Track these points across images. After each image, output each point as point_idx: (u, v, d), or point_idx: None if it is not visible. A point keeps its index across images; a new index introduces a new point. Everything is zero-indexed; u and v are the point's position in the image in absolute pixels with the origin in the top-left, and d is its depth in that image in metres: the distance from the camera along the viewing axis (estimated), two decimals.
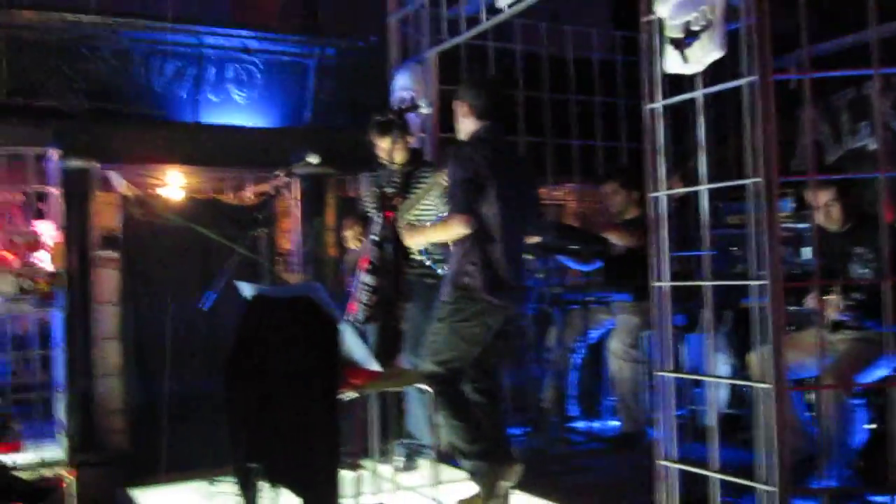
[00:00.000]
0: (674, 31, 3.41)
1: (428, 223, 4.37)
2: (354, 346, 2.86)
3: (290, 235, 6.50)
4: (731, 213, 5.92)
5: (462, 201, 3.64)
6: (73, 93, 6.01)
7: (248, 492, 3.01)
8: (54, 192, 5.66)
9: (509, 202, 3.76)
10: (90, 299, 5.68)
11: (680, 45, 3.39)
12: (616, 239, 5.29)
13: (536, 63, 6.27)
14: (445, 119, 4.54)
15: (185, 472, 4.64)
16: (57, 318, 5.77)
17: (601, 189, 5.59)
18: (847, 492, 3.68)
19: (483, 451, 3.70)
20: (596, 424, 5.63)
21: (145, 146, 6.24)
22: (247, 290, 2.96)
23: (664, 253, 3.53)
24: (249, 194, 6.36)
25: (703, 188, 3.38)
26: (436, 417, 3.65)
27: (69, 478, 5.05)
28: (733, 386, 5.35)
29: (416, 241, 3.65)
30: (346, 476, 2.73)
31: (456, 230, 3.64)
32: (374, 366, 2.98)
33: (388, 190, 4.15)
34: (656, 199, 3.54)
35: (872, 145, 6.32)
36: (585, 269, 5.56)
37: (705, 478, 3.43)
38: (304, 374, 2.67)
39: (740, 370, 4.97)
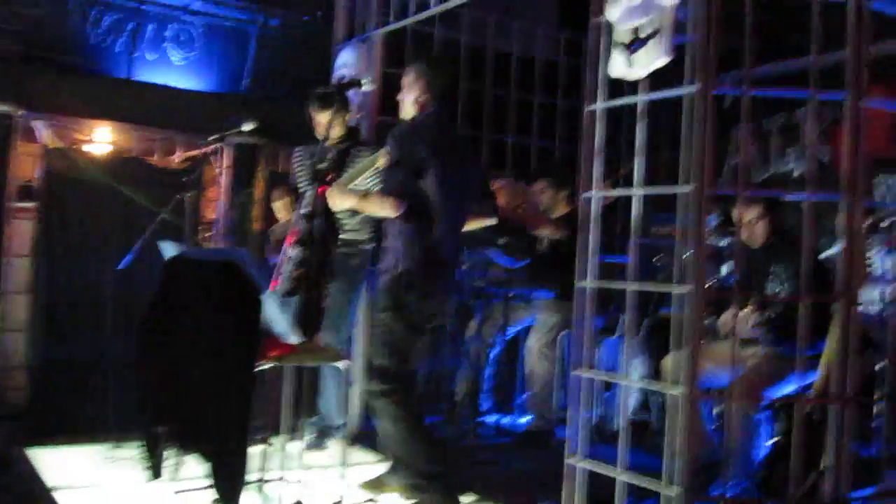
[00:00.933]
0: (622, 35, 3.44)
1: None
2: (275, 317, 2.81)
3: (215, 204, 6.39)
4: (656, 224, 6.02)
5: (396, 184, 3.60)
6: (2, 36, 5.79)
7: (154, 456, 2.94)
8: None
9: (451, 186, 3.73)
10: (2, 250, 5.51)
11: (627, 49, 3.42)
12: (545, 232, 5.32)
13: (480, 56, 6.27)
14: (386, 100, 4.51)
15: (86, 435, 4.51)
16: None
17: (532, 186, 5.61)
18: (745, 502, 3.77)
19: (440, 474, 3.60)
20: (506, 420, 5.67)
21: (75, 98, 6.05)
22: (168, 249, 2.89)
23: (592, 253, 3.56)
24: (178, 158, 6.23)
25: (637, 192, 3.41)
26: (383, 428, 3.58)
27: None
28: (643, 393, 5.44)
29: (341, 203, 3.59)
30: (254, 450, 2.69)
31: (385, 210, 3.60)
32: (294, 339, 2.94)
33: (322, 165, 4.10)
34: (590, 198, 3.57)
35: (798, 171, 6.49)
36: (513, 265, 5.58)
37: (610, 480, 3.48)
38: (221, 341, 2.62)
39: (652, 377, 5.05)
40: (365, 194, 3.72)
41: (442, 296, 3.74)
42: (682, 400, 3.13)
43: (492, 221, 3.94)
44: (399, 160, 3.60)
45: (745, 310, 4.11)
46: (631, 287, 3.45)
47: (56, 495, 3.49)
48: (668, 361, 4.17)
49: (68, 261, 5.63)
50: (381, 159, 3.74)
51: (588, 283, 3.55)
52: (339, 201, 3.58)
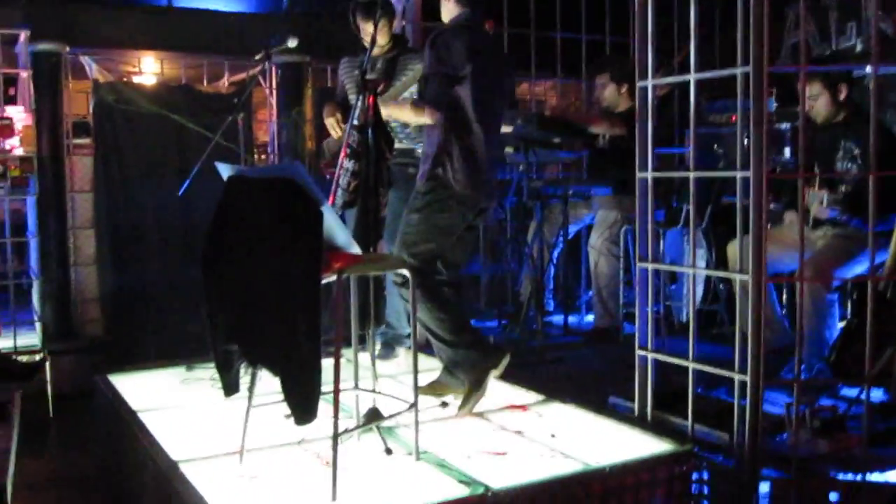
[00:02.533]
0: None
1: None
2: (336, 228, 2.82)
3: (267, 125, 6.40)
4: (714, 113, 5.89)
5: (434, 92, 3.63)
6: None
7: (227, 374, 3.00)
8: (24, 75, 5.51)
9: (487, 92, 3.71)
10: (64, 187, 5.61)
11: None
12: (602, 129, 5.24)
13: None
14: (429, 5, 4.43)
15: (161, 360, 4.64)
16: (31, 206, 5.69)
17: (595, 81, 5.51)
18: (819, 384, 3.74)
19: (471, 341, 3.73)
20: (572, 319, 5.68)
21: (119, 30, 6.08)
22: (225, 170, 2.90)
23: (650, 143, 3.49)
24: (226, 82, 6.22)
25: (693, 76, 3.31)
26: (416, 309, 3.63)
27: (45, 363, 5.05)
28: (707, 283, 5.40)
29: (385, 111, 3.62)
30: (325, 363, 2.73)
31: (421, 118, 3.69)
32: (356, 250, 2.95)
33: (371, 75, 4.06)
34: (645, 87, 3.48)
35: (859, 46, 6.26)
36: (573, 155, 5.50)
37: (680, 372, 3.47)
38: (285, 255, 2.63)
39: (716, 266, 5.00)
40: (401, 103, 3.74)
41: (479, 200, 3.78)
42: (751, 284, 3.09)
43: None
44: (435, 66, 3.60)
45: (814, 189, 4.02)
46: (692, 174, 3.38)
47: (142, 416, 3.59)
48: (732, 248, 4.11)
49: (128, 192, 5.71)
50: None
51: (648, 173, 3.48)
52: (383, 111, 3.59)
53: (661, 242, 5.12)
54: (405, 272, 3.22)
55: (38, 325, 5.60)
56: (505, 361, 3.71)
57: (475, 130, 3.70)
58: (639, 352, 3.59)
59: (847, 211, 4.02)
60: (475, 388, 3.65)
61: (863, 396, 3.33)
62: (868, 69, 4.51)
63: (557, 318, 5.62)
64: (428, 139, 3.77)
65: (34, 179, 5.50)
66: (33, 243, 5.66)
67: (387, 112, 3.66)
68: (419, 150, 4.40)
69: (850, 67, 5.06)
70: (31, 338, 5.56)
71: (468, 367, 3.68)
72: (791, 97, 5.39)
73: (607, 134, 5.26)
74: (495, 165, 3.96)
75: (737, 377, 3.17)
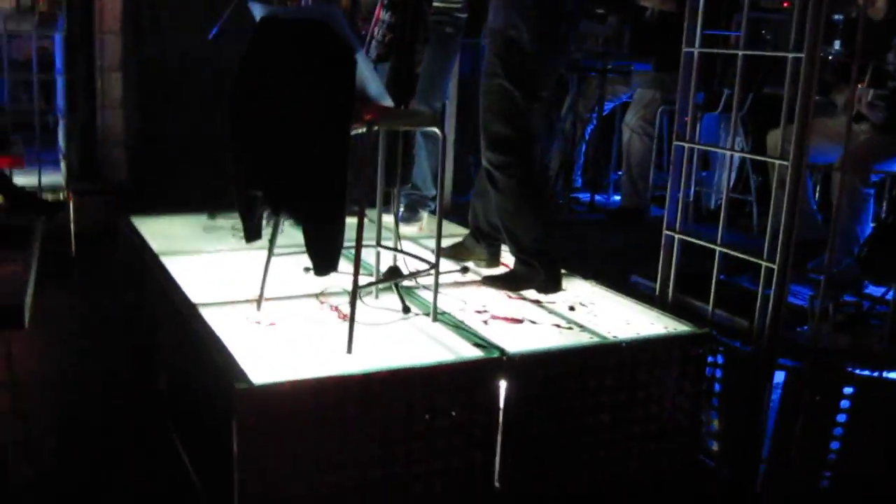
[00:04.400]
0: None
1: None
2: (370, 78, 2.73)
3: None
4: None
5: None
6: None
7: (249, 220, 2.97)
8: None
9: None
10: (93, 26, 5.49)
11: None
12: (653, 2, 5.05)
13: None
14: None
15: (185, 206, 4.63)
16: (58, 45, 5.60)
17: None
18: (846, 279, 3.69)
19: (545, 251, 3.52)
20: (600, 197, 5.61)
21: None
22: (258, 10, 2.80)
23: (700, 19, 3.35)
24: None
25: None
26: (497, 199, 3.50)
27: (68, 201, 5.07)
28: (740, 173, 5.30)
29: None
30: (349, 221, 2.69)
31: None
32: (388, 102, 2.87)
33: None
34: None
35: None
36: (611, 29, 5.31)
37: (704, 258, 3.43)
38: (315, 102, 2.56)
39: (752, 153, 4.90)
40: None
41: (559, 61, 3.55)
42: (790, 171, 3.00)
43: None
44: None
45: (862, 84, 3.89)
46: (741, 52, 3.25)
47: (163, 259, 3.60)
48: (774, 135, 4.00)
49: (157, 35, 5.59)
50: None
51: (696, 48, 3.35)
52: None
53: (699, 125, 5.00)
54: (437, 131, 3.13)
55: (62, 164, 5.59)
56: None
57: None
58: (666, 231, 3.54)
59: (889, 109, 3.89)
60: (549, 288, 3.55)
61: (889, 296, 3.29)
62: None
63: (584, 196, 5.55)
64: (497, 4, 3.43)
65: (63, 17, 5.39)
66: (60, 82, 5.59)
67: None
68: (457, 7, 4.24)
69: None
70: (55, 177, 5.56)
71: (542, 266, 3.53)
72: None
73: (657, 8, 5.07)
74: (575, 22, 3.66)
75: (764, 264, 3.12)
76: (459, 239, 3.89)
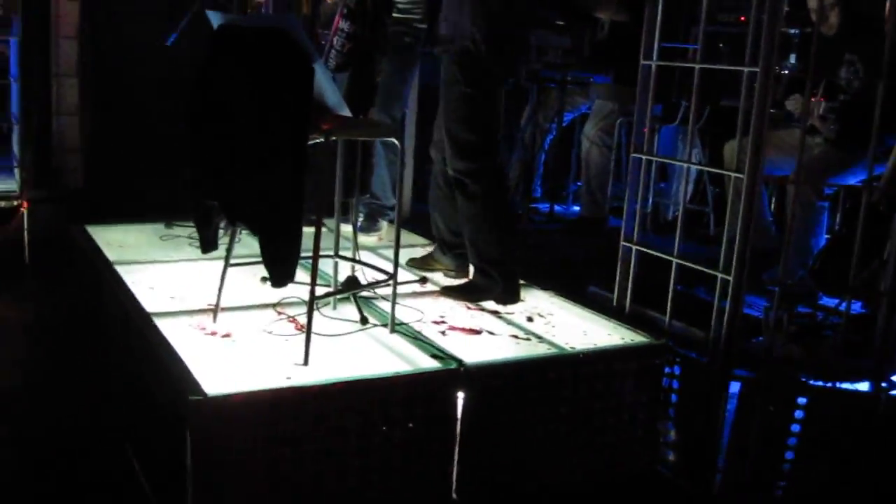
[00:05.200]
0: None
1: None
2: (328, 88, 2.72)
3: None
4: (721, 11, 5.72)
5: None
6: None
7: (206, 230, 2.95)
8: None
9: None
10: (49, 31, 5.41)
11: None
12: (606, 14, 5.09)
13: None
14: None
15: (141, 215, 4.57)
16: (13, 49, 5.51)
17: None
18: (800, 291, 3.74)
19: (507, 262, 3.53)
20: (559, 207, 5.63)
21: None
22: (216, 18, 2.77)
23: (658, 32, 3.38)
24: None
25: None
26: (463, 207, 3.48)
27: (23, 212, 4.99)
28: (697, 184, 5.35)
29: None
30: (306, 231, 2.68)
31: None
32: (346, 112, 2.86)
33: None
34: None
35: None
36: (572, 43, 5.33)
37: (659, 270, 3.45)
38: (272, 111, 2.54)
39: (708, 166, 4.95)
40: None
41: (517, 65, 3.58)
42: (745, 183, 3.03)
43: None
44: None
45: (814, 98, 3.94)
46: (698, 66, 3.29)
47: (118, 269, 3.55)
48: (729, 147, 4.04)
49: (115, 40, 5.52)
50: None
51: (653, 61, 3.38)
52: None
53: (656, 139, 5.04)
54: (395, 141, 3.12)
55: (16, 172, 5.50)
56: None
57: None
58: (623, 242, 3.56)
59: (839, 122, 3.95)
60: (508, 299, 3.56)
61: (842, 307, 3.34)
62: None
63: (543, 206, 5.56)
64: (452, 3, 3.43)
65: (18, 21, 5.31)
66: (14, 87, 5.50)
67: None
68: (416, 18, 4.24)
69: None
70: (9, 184, 5.47)
71: (503, 278, 3.54)
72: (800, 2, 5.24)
73: (608, 19, 5.09)
74: (526, 28, 3.69)
75: (720, 276, 3.15)
76: (420, 249, 3.89)
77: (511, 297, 3.53)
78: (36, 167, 5.43)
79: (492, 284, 3.52)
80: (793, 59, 5.25)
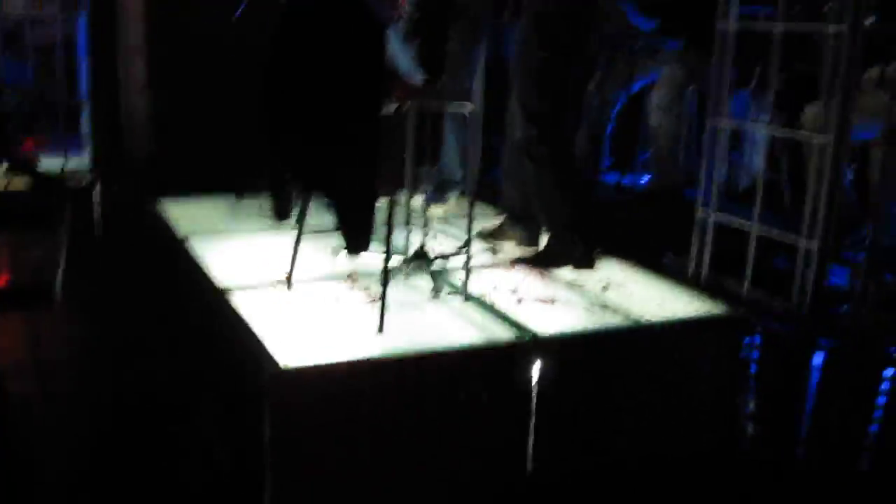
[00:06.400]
0: None
1: None
2: (400, 54, 2.69)
3: None
4: None
5: None
6: None
7: (279, 199, 2.94)
8: None
9: None
10: (116, 10, 5.46)
11: None
12: None
13: None
14: None
15: (210, 188, 4.60)
16: (82, 27, 5.57)
17: None
18: (888, 258, 3.62)
19: (579, 228, 3.51)
20: (628, 178, 5.53)
21: None
22: None
23: None
24: None
25: None
26: (532, 176, 3.45)
27: (94, 185, 5.06)
28: (771, 153, 5.21)
29: None
30: (378, 202, 2.66)
31: None
32: (419, 79, 2.82)
33: None
34: None
35: None
36: (645, 26, 5.22)
37: (737, 239, 3.37)
38: (346, 78, 2.52)
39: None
40: None
41: (592, 29, 3.51)
42: (832, 146, 2.93)
43: None
44: None
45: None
46: (778, 28, 3.18)
47: (191, 242, 3.58)
48: (811, 112, 3.91)
49: (182, 16, 5.54)
50: None
51: (730, 22, 3.28)
52: None
53: (731, 103, 4.91)
54: (466, 112, 3.08)
55: (87, 148, 5.57)
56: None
57: None
58: (699, 213, 3.48)
59: None
60: (583, 263, 3.52)
61: None
62: None
63: (613, 177, 5.47)
64: None
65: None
66: (84, 65, 5.57)
67: None
68: None
69: None
70: (81, 160, 5.54)
71: (578, 241, 3.52)
72: None
73: None
74: None
75: (803, 242, 3.05)
76: (491, 219, 3.84)
77: (587, 262, 3.47)
78: (106, 142, 5.49)
79: (568, 249, 3.48)
80: (874, 18, 5.06)
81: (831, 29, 2.97)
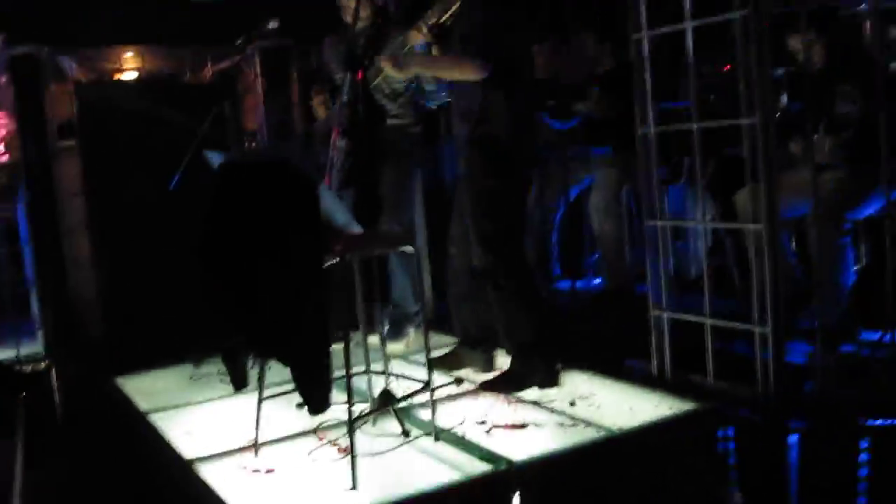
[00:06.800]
0: None
1: (397, 84, 4.18)
2: (335, 209, 2.73)
3: (254, 112, 6.28)
4: (704, 63, 5.77)
5: (488, 45, 3.32)
6: None
7: (235, 368, 2.92)
8: (2, 80, 5.39)
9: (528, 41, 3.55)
10: (54, 191, 5.50)
11: None
12: (587, 108, 5.14)
13: None
14: None
15: (167, 359, 4.56)
16: (21, 214, 5.59)
17: (575, 40, 5.39)
18: (840, 330, 3.66)
19: (544, 344, 3.54)
20: (579, 283, 5.58)
21: (97, 27, 5.93)
22: (216, 159, 2.80)
23: (648, 97, 3.39)
24: (209, 72, 6.10)
25: (689, 24, 3.21)
26: (493, 298, 3.49)
27: (50, 370, 4.98)
28: (714, 237, 5.31)
29: (406, 70, 3.46)
30: (334, 348, 2.65)
31: (464, 73, 3.37)
32: (356, 229, 2.86)
33: (356, 52, 3.95)
34: (640, 39, 3.38)
35: None
36: (563, 127, 5.39)
37: (694, 327, 3.40)
38: (285, 242, 2.54)
39: (722, 219, 4.91)
40: (436, 57, 3.50)
41: (532, 145, 3.61)
42: (765, 234, 3.00)
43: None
44: (488, 20, 3.35)
45: (817, 135, 3.93)
46: (696, 125, 3.29)
47: (152, 417, 3.52)
48: (741, 198, 4.01)
49: (119, 191, 5.60)
50: (414, 34, 3.56)
51: (650, 128, 3.39)
52: (402, 70, 3.45)
53: (665, 198, 5.02)
54: (410, 249, 3.11)
55: (39, 333, 5.52)
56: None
57: (523, 80, 3.46)
58: (653, 312, 3.52)
59: (848, 153, 3.93)
60: (549, 382, 3.54)
61: (886, 339, 3.26)
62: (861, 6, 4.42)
63: (564, 284, 5.52)
64: (468, 97, 3.46)
65: (22, 186, 5.40)
66: (27, 251, 5.56)
67: (415, 69, 3.49)
68: (409, 123, 4.28)
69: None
70: (33, 346, 5.48)
71: (542, 361, 3.55)
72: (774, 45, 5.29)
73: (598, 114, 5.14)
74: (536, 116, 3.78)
75: (757, 330, 3.09)
76: (449, 349, 3.84)
77: (551, 380, 3.48)
78: (57, 325, 5.45)
79: (532, 370, 3.49)
80: (784, 99, 5.26)
81: (745, 122, 3.08)
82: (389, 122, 4.18)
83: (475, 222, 3.47)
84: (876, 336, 3.59)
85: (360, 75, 3.24)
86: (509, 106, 3.40)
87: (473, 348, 3.75)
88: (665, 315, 3.47)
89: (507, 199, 3.44)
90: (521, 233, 3.53)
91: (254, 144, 6.28)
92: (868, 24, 4.39)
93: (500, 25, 3.35)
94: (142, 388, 4.02)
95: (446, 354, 3.82)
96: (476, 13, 3.37)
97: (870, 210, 3.88)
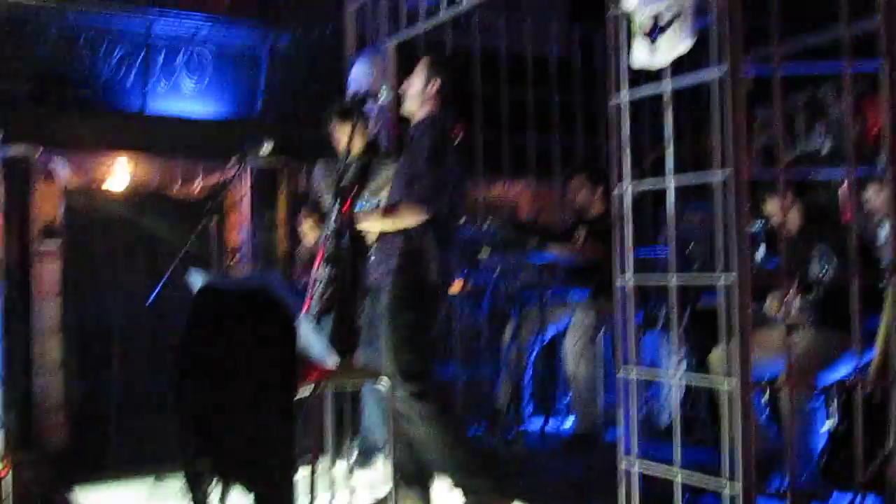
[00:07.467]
0: (641, 23, 3.35)
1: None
2: (312, 340, 2.74)
3: (239, 230, 6.34)
4: (686, 212, 5.91)
5: (426, 190, 3.45)
6: (15, 76, 5.76)
7: (197, 490, 2.87)
8: None
9: (456, 189, 3.64)
10: (31, 292, 5.49)
11: (647, 38, 3.32)
12: (563, 252, 5.26)
13: (494, 58, 6.16)
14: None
15: (128, 471, 4.47)
16: None
17: (569, 183, 5.55)
18: (811, 492, 3.65)
19: (485, 466, 3.56)
20: (551, 424, 5.56)
21: (91, 134, 6.03)
22: (198, 279, 2.82)
23: (628, 249, 3.46)
24: (198, 187, 6.18)
25: (671, 183, 3.31)
26: (420, 434, 3.49)
27: (5, 476, 4.86)
28: (688, 386, 5.32)
29: (372, 227, 3.55)
30: (300, 475, 2.62)
31: (408, 220, 3.46)
32: (332, 362, 2.86)
33: (345, 183, 4.03)
34: (622, 193, 3.47)
35: (826, 148, 6.35)
36: (551, 258, 5.45)
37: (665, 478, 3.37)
38: (259, 369, 2.54)
39: (696, 369, 4.94)
40: (386, 210, 3.60)
41: (448, 289, 3.71)
42: (736, 393, 3.02)
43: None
44: (424, 167, 3.47)
45: (789, 295, 4.00)
46: (674, 281, 3.34)
47: None
48: (715, 355, 4.05)
49: (97, 299, 5.60)
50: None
51: (628, 279, 3.45)
52: (369, 226, 3.55)
53: (640, 344, 5.06)
54: (382, 386, 3.12)
55: (0, 433, 5.41)
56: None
57: (445, 229, 3.56)
58: (623, 464, 3.49)
59: (817, 316, 4.01)
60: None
61: (857, 502, 3.25)
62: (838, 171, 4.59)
63: (536, 424, 5.49)
64: (390, 235, 3.55)
65: (1, 285, 5.39)
66: None
67: (376, 227, 3.57)
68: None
69: (824, 170, 5.13)
70: None
71: (485, 492, 3.52)
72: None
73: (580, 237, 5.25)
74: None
75: (727, 490, 3.08)
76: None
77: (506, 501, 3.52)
78: (19, 428, 5.35)
79: (482, 498, 3.48)
80: (759, 254, 5.37)
81: (721, 282, 3.13)
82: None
83: (396, 357, 3.47)
84: (848, 498, 3.58)
85: (346, 207, 3.31)
86: (428, 244, 3.49)
87: (409, 488, 3.66)
88: (635, 466, 3.45)
89: (421, 331, 3.51)
90: (433, 368, 3.62)
91: (236, 261, 6.33)
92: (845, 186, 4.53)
93: (438, 168, 3.47)
94: (99, 501, 3.92)
95: (381, 499, 3.74)
96: (418, 154, 3.50)
97: (841, 373, 3.92)
